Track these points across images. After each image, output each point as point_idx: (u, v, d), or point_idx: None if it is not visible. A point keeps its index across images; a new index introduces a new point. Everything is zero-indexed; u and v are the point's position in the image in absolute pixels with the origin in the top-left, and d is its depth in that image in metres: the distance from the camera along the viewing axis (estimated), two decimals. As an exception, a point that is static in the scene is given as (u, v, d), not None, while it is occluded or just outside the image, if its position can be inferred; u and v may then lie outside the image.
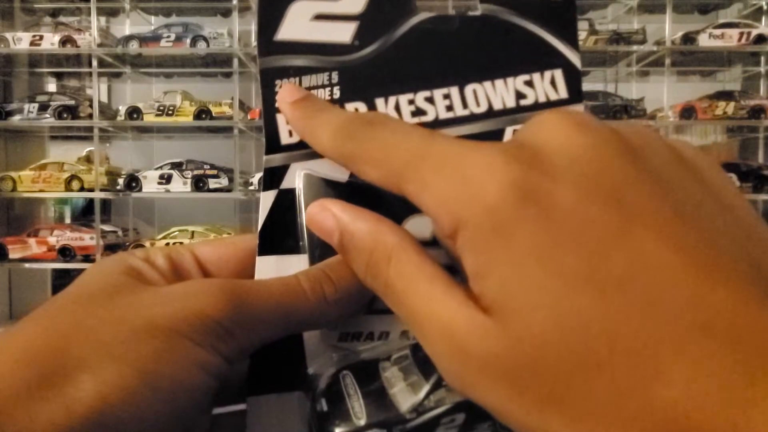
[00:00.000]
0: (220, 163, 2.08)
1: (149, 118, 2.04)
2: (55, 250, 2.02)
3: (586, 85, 2.22)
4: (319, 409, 0.25)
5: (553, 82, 0.29)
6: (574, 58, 0.29)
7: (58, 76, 2.33)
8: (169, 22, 2.13)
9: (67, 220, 2.42)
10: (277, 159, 0.28)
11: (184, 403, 0.21)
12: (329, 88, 0.28)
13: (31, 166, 2.04)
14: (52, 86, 2.31)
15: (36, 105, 2.00)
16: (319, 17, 0.28)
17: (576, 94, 0.29)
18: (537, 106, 0.29)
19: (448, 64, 0.28)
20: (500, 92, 0.28)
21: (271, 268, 0.27)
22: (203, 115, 2.05)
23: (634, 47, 2.07)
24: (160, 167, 2.04)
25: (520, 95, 0.29)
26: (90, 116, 2.00)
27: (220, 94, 2.09)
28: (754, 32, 2.00)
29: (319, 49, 0.28)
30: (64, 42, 1.98)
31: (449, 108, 0.28)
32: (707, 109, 2.02)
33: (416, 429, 0.25)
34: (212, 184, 2.03)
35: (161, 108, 2.04)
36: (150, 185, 2.02)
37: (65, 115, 2.00)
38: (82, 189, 2.02)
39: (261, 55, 0.28)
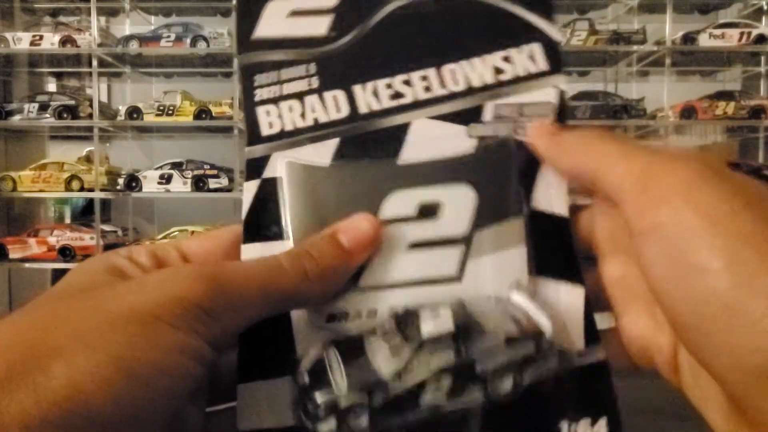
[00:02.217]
0: (220, 163, 2.08)
1: (149, 118, 2.05)
2: (55, 250, 2.02)
3: (586, 85, 2.23)
4: (301, 383, 0.25)
5: (531, 56, 0.29)
6: (552, 31, 0.29)
7: (58, 76, 2.33)
8: (169, 22, 2.13)
9: (67, 220, 2.42)
10: (258, 150, 0.28)
11: (166, 389, 0.21)
12: (307, 79, 0.28)
13: (31, 166, 2.04)
14: (52, 86, 2.31)
15: (36, 105, 2.01)
16: (295, 13, 0.29)
17: (556, 65, 0.29)
18: (517, 80, 0.29)
19: (424, 47, 0.29)
20: (478, 69, 0.29)
21: (256, 255, 0.27)
22: (203, 115, 2.05)
23: (634, 47, 2.07)
24: (160, 167, 2.04)
25: (498, 70, 0.29)
26: (90, 116, 2.00)
27: (220, 94, 2.09)
28: (754, 32, 2.00)
29: (297, 43, 0.28)
30: (64, 42, 1.99)
31: (427, 89, 0.29)
32: (707, 109, 2.02)
33: (400, 396, 0.24)
34: (212, 183, 2.03)
35: (161, 108, 2.04)
36: (150, 185, 2.03)
37: (65, 115, 2.00)
38: (82, 189, 2.02)
39: (240, 52, 0.28)
